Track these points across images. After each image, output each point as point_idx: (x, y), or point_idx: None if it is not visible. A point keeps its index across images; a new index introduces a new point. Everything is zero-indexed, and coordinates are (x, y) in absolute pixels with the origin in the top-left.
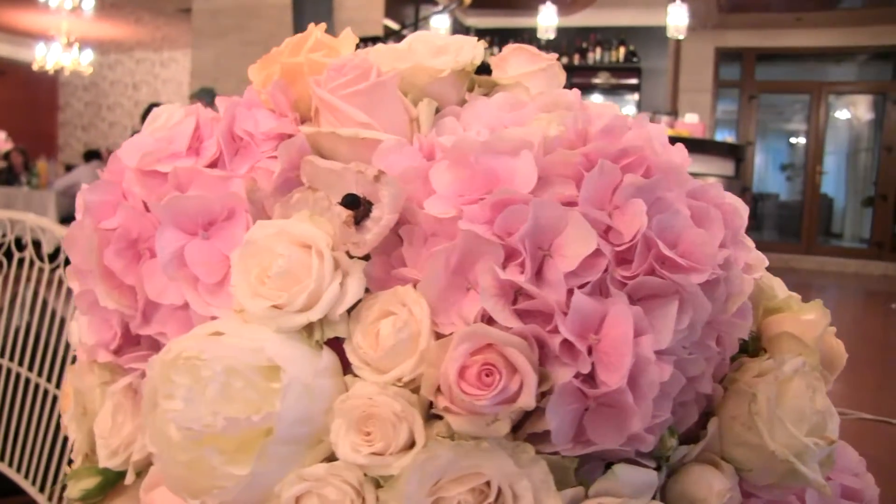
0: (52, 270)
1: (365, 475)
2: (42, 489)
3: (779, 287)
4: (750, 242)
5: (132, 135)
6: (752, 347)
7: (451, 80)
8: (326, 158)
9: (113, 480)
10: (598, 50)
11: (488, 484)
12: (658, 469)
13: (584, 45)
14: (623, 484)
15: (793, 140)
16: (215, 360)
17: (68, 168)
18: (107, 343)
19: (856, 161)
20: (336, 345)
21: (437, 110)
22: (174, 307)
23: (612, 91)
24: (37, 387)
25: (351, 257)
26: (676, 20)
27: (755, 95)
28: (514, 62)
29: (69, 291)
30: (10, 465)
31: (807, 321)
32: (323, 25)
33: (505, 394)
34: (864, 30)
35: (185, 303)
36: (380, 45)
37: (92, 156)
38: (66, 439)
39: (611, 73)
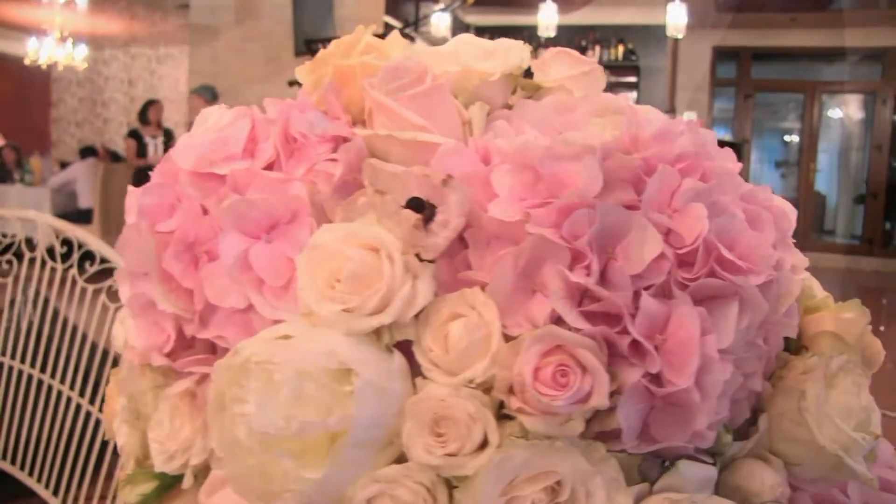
0: (66, 270)
1: (437, 476)
2: (56, 492)
3: (816, 287)
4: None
5: (129, 132)
6: (794, 345)
7: (499, 83)
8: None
9: (169, 485)
10: (598, 48)
11: (559, 482)
12: (713, 464)
13: (584, 43)
14: (686, 479)
15: (787, 138)
16: (287, 364)
17: (63, 165)
18: (160, 346)
19: (847, 159)
20: (401, 347)
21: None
22: (233, 310)
23: (610, 89)
24: (49, 388)
25: (421, 260)
26: (676, 19)
27: (751, 94)
28: (556, 66)
29: (83, 291)
30: (22, 468)
31: (847, 319)
32: (373, 27)
33: (580, 393)
34: (855, 31)
35: (247, 306)
36: (424, 48)
37: (87, 152)
38: (80, 441)
39: (610, 71)
